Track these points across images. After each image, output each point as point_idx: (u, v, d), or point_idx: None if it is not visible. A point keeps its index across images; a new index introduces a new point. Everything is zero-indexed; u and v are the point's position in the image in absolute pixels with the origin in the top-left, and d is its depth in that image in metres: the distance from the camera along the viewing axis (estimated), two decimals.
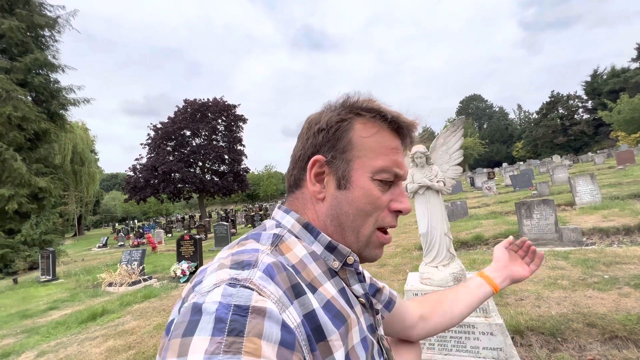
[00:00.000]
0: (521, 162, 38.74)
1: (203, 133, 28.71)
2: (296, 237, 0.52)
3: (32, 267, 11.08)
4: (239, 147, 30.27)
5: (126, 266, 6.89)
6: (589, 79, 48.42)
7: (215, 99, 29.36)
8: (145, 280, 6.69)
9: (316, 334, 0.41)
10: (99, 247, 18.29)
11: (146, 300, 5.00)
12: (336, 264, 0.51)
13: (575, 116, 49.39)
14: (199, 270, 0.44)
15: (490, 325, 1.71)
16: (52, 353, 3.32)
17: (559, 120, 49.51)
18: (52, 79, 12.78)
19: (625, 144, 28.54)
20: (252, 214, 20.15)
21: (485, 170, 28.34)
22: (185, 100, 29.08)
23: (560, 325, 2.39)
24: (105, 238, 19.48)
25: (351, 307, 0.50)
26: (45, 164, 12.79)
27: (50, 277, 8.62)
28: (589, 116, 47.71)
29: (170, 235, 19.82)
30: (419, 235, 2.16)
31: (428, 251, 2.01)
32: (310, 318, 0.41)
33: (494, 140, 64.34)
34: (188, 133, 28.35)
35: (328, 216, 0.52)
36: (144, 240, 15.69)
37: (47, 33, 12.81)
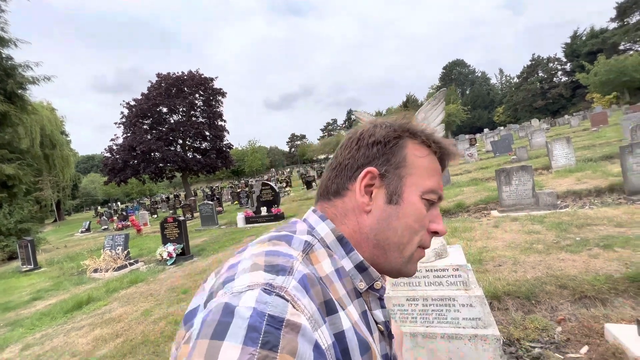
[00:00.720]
0: (502, 127, 39.50)
1: (180, 109, 27.48)
2: (328, 247, 0.50)
3: (12, 257, 10.75)
4: (219, 123, 29.29)
5: (110, 251, 6.77)
6: (569, 40, 48.54)
7: (190, 72, 27.83)
8: (131, 264, 6.61)
9: (344, 357, 0.39)
10: (82, 232, 17.87)
11: (133, 286, 4.96)
12: (362, 285, 0.50)
13: (555, 79, 50.09)
14: (228, 264, 0.43)
15: (469, 298, 1.76)
16: (38, 345, 3.28)
17: (538, 83, 50.19)
18: (4, 55, 11.61)
19: (599, 106, 29.41)
20: (238, 190, 19.95)
21: (467, 136, 28.78)
22: (159, 75, 27.43)
23: (534, 289, 2.51)
24: (88, 222, 19.01)
25: (370, 333, 0.48)
26: (10, 149, 11.97)
27: (32, 266, 8.41)
28: (567, 79, 48.47)
29: (156, 216, 19.51)
30: None
31: None
32: (340, 339, 0.39)
33: (476, 106, 64.92)
34: (165, 110, 27.07)
35: (373, 230, 0.51)
36: (129, 223, 15.40)
37: None
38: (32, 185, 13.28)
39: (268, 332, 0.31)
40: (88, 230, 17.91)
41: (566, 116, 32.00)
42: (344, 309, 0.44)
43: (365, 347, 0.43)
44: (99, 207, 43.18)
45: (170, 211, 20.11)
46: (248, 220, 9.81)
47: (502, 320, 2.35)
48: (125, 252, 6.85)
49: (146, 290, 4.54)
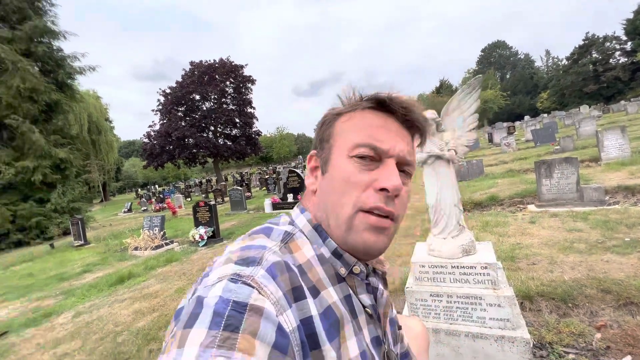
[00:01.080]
0: (545, 115, 36.57)
1: (212, 96, 28.29)
2: (307, 237, 0.52)
3: (66, 233, 11.92)
4: (249, 110, 29.86)
5: (148, 231, 7.26)
6: (631, 15, 43.03)
7: (221, 59, 28.40)
8: (167, 244, 7.07)
9: (311, 341, 0.41)
10: (125, 212, 19.33)
11: (168, 264, 5.31)
12: (343, 270, 0.51)
13: (611, 60, 44.92)
14: (212, 261, 0.46)
15: (498, 298, 1.68)
16: (87, 314, 3.65)
17: (591, 66, 45.31)
18: (54, 47, 12.53)
19: None
20: (266, 177, 20.41)
21: (505, 124, 26.98)
22: (192, 63, 28.28)
23: (572, 291, 2.35)
24: (129, 203, 20.49)
25: (354, 316, 0.49)
26: (62, 135, 13.08)
27: (83, 242, 9.27)
28: (626, 60, 43.30)
29: (189, 199, 20.58)
30: (427, 206, 2.08)
31: (436, 223, 1.94)
32: (306, 324, 0.41)
33: (517, 91, 60.38)
34: (197, 97, 28.03)
35: (318, 204, 0.53)
36: (165, 205, 16.38)
37: None
38: (81, 168, 14.51)
39: (231, 315, 0.34)
40: (130, 210, 19.32)
41: (622, 102, 28.73)
42: (320, 292, 0.46)
43: (337, 330, 0.44)
44: (139, 190, 46.30)
45: (203, 195, 21.10)
46: (275, 206, 10.04)
47: (533, 321, 2.23)
48: (162, 232, 7.33)
49: (180, 270, 4.84)
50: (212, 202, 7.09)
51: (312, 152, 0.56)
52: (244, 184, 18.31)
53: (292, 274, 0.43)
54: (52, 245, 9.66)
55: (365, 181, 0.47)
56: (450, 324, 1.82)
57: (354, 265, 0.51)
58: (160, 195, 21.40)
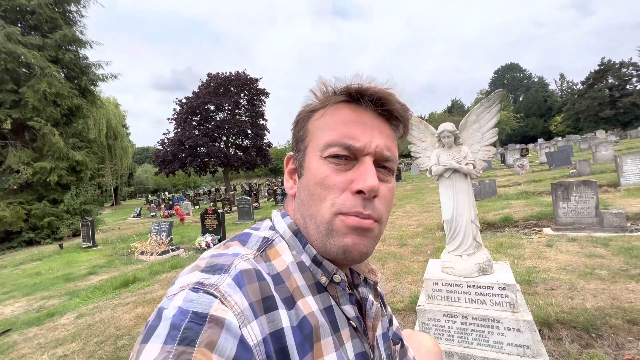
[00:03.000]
0: (559, 138, 36.13)
1: (226, 107, 28.93)
2: (287, 243, 0.50)
3: (75, 234, 12.06)
4: (261, 122, 30.36)
5: (155, 236, 7.28)
6: None
7: (237, 72, 29.20)
8: (173, 250, 7.06)
9: (280, 355, 0.38)
10: (134, 216, 19.55)
11: (173, 270, 5.28)
12: (324, 279, 0.47)
13: (628, 86, 44.38)
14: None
15: (517, 322, 1.58)
16: (89, 316, 3.61)
17: (607, 91, 44.78)
18: (81, 55, 13.09)
19: None
20: (275, 188, 20.46)
21: (518, 146, 26.68)
22: (209, 75, 29.16)
23: (595, 320, 2.21)
24: (139, 208, 20.75)
25: (336, 329, 0.46)
26: (80, 138, 13.47)
27: (91, 243, 9.35)
28: None
29: (197, 207, 20.71)
30: (443, 221, 2.01)
31: (452, 239, 1.87)
32: (276, 337, 0.38)
33: (530, 114, 59.87)
34: (212, 108, 28.70)
35: (296, 209, 0.51)
36: (173, 212, 16.51)
37: (73, 8, 12.95)
38: (95, 172, 14.83)
39: (188, 328, 0.32)
40: (139, 215, 19.54)
41: None
42: (295, 302, 0.43)
43: (309, 345, 0.41)
44: (149, 195, 46.97)
45: (211, 204, 21.21)
46: None
47: (553, 351, 2.09)
48: (169, 238, 7.33)
49: None
50: (220, 211, 7.10)
51: (290, 153, 0.54)
52: (252, 194, 18.36)
53: (262, 283, 0.40)
54: (61, 246, 9.77)
55: (341, 183, 0.45)
56: (465, 347, 1.71)
57: (335, 274, 0.47)
58: (170, 202, 21.65)
